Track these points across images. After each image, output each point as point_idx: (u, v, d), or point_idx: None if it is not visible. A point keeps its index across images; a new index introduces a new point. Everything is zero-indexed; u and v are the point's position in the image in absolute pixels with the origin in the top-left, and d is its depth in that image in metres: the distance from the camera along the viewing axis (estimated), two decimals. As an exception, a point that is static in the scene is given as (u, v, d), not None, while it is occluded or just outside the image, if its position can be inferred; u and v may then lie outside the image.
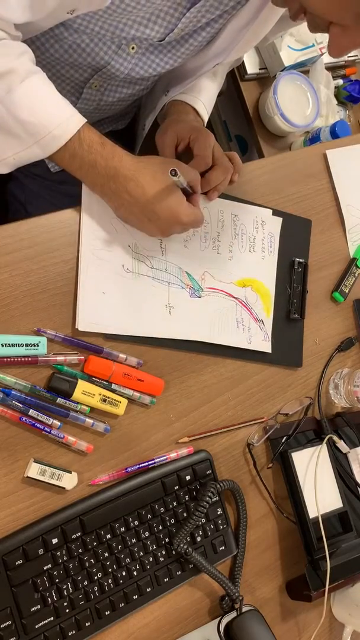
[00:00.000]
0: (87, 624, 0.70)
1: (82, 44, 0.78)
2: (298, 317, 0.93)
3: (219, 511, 0.81)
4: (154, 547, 0.75)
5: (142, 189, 0.71)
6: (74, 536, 0.69)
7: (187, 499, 0.78)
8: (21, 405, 0.68)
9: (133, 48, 0.79)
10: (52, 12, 0.71)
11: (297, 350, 0.94)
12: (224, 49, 0.84)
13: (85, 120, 0.69)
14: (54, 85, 0.69)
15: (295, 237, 0.96)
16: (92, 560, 0.70)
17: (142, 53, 0.81)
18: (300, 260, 0.95)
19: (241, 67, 1.41)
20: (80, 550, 0.70)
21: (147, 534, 0.74)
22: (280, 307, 0.92)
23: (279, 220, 0.94)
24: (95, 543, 0.71)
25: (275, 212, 0.94)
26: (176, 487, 0.77)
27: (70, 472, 0.71)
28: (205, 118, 0.92)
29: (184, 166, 0.76)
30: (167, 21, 0.75)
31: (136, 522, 0.74)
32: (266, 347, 0.89)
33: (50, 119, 0.67)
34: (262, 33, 0.83)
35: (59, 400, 0.70)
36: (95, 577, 0.70)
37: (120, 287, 0.77)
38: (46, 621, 0.67)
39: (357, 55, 1.58)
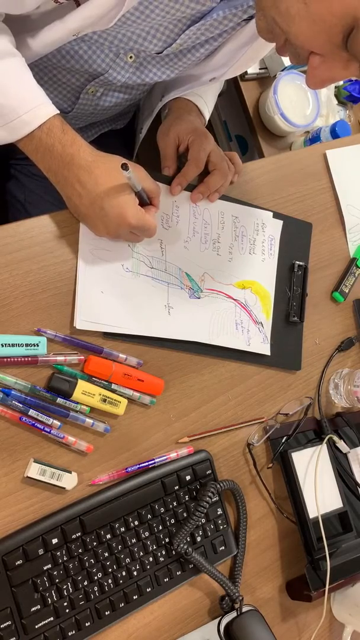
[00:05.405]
0: (87, 624, 0.70)
1: (79, 51, 0.78)
2: (297, 320, 0.93)
3: (219, 511, 0.81)
4: (154, 547, 0.75)
5: (94, 182, 0.69)
6: (74, 536, 0.69)
7: (187, 499, 0.78)
8: (21, 405, 0.68)
9: (131, 57, 0.80)
10: (56, 40, 0.72)
11: (296, 353, 0.94)
12: (222, 65, 0.85)
13: (57, 111, 0.68)
14: (31, 73, 0.68)
15: (295, 240, 0.96)
16: (92, 560, 0.70)
17: (139, 62, 0.81)
18: (300, 263, 0.95)
19: (241, 67, 1.41)
20: (80, 550, 0.70)
21: (147, 534, 0.74)
22: (280, 309, 0.92)
23: (279, 223, 0.94)
24: (95, 543, 0.71)
25: (276, 215, 0.94)
26: (176, 487, 0.77)
27: (70, 472, 0.71)
28: (207, 116, 0.92)
29: (143, 173, 0.74)
30: (166, 35, 0.75)
31: (136, 522, 0.74)
32: (265, 349, 0.89)
33: (22, 103, 0.65)
34: (262, 54, 0.84)
35: (59, 400, 0.70)
36: (95, 577, 0.70)
37: (119, 286, 0.77)
38: (46, 621, 0.67)
39: (357, 55, 1.58)
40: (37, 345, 0.69)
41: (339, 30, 0.54)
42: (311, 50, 0.58)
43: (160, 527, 0.76)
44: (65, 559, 0.69)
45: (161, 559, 0.75)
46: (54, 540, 0.68)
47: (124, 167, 0.64)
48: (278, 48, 0.62)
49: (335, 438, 0.90)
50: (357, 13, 0.52)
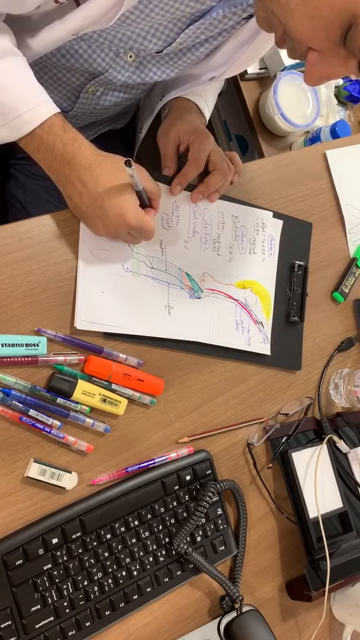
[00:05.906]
0: (87, 624, 0.70)
1: (79, 50, 0.78)
2: (297, 319, 0.93)
3: (219, 511, 0.81)
4: (154, 547, 0.75)
5: (95, 181, 0.68)
6: (74, 536, 0.69)
7: (187, 499, 0.78)
8: (21, 405, 0.68)
9: (131, 56, 0.80)
10: (56, 40, 0.72)
11: (297, 352, 0.94)
12: (222, 64, 0.85)
13: (58, 110, 0.68)
14: (32, 72, 0.68)
15: (295, 239, 0.96)
16: (92, 560, 0.70)
17: (139, 62, 0.81)
18: (301, 263, 0.95)
19: (241, 67, 1.41)
20: (80, 550, 0.70)
21: (147, 534, 0.74)
22: (280, 309, 0.92)
23: (279, 223, 0.94)
24: (95, 543, 0.71)
25: (276, 215, 0.94)
26: (176, 487, 0.77)
27: (70, 472, 0.71)
28: (207, 116, 0.92)
29: (145, 174, 0.74)
30: (165, 35, 0.75)
31: (136, 522, 0.74)
32: (265, 349, 0.89)
33: (23, 102, 0.65)
34: (261, 53, 0.84)
35: (59, 400, 0.70)
36: (95, 577, 0.70)
37: (120, 286, 0.77)
38: (46, 621, 0.67)
39: (357, 55, 1.58)
40: (37, 345, 0.69)
41: (337, 26, 0.53)
42: (309, 47, 0.58)
43: (160, 527, 0.76)
44: (65, 558, 0.69)
45: (161, 559, 0.75)
46: (54, 540, 0.68)
47: (127, 163, 0.64)
48: (277, 40, 0.62)
49: (335, 438, 0.90)
50: (355, 9, 0.52)
